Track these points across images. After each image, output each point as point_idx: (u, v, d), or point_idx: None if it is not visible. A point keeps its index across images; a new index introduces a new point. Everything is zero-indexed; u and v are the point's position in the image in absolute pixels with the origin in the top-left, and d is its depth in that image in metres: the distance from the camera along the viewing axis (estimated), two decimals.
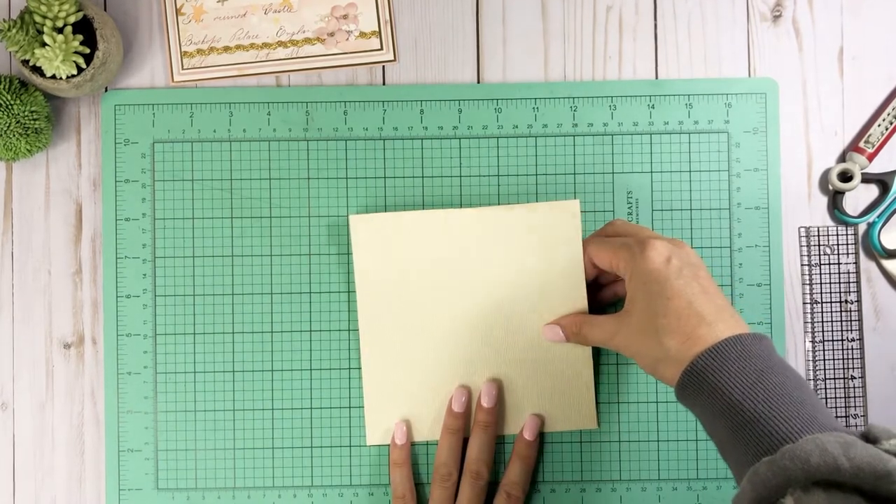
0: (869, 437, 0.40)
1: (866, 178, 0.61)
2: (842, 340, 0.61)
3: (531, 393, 0.59)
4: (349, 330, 0.60)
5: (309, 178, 0.61)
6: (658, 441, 0.60)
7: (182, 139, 0.61)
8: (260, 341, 0.60)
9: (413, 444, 0.60)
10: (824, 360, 0.61)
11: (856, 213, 0.61)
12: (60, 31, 0.54)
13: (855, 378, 0.60)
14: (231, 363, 0.60)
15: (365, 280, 0.59)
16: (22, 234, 0.61)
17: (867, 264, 0.61)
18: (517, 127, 0.61)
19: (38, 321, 0.61)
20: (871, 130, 0.61)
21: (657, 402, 0.60)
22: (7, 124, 0.56)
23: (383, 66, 0.62)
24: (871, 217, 0.61)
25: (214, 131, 0.61)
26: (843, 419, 0.61)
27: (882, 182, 0.61)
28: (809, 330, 0.61)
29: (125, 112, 0.61)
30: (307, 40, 0.61)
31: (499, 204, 0.60)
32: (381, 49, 0.61)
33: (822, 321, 0.61)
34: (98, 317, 0.61)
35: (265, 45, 0.61)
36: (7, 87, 0.56)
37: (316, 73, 0.61)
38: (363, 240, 0.59)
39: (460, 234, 0.59)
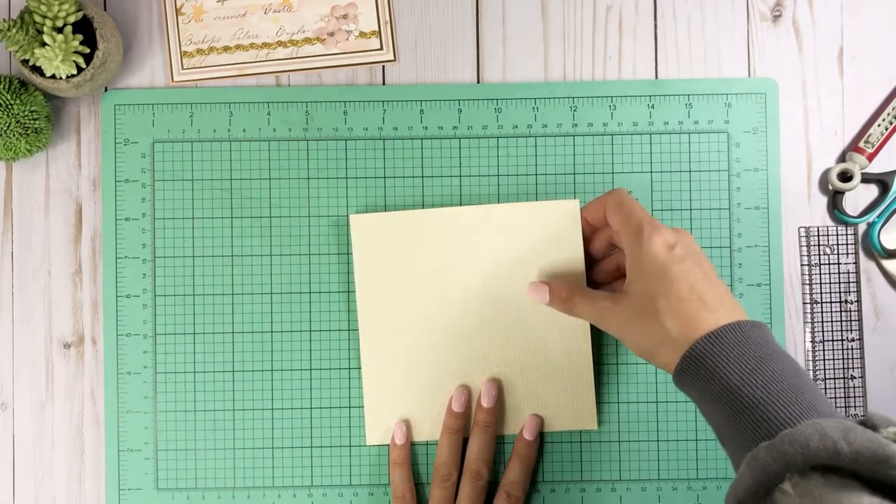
0: (868, 425, 0.40)
1: (866, 178, 0.61)
2: (842, 340, 0.61)
3: (531, 393, 0.59)
4: (349, 330, 0.60)
5: (309, 178, 0.61)
6: (658, 441, 0.60)
7: (182, 139, 0.61)
8: (260, 341, 0.60)
9: (413, 444, 0.60)
10: (824, 360, 0.61)
11: (856, 213, 0.61)
12: (60, 30, 0.54)
13: (855, 378, 0.60)
14: (231, 363, 0.60)
15: (365, 280, 0.59)
16: (22, 234, 0.61)
17: (867, 264, 0.61)
18: (517, 127, 0.61)
19: (38, 321, 0.61)
20: (871, 130, 0.61)
21: (657, 402, 0.60)
22: (7, 124, 0.56)
23: (383, 66, 0.62)
24: (871, 217, 0.61)
25: (214, 131, 0.61)
26: None
27: (882, 182, 0.61)
28: (809, 330, 0.61)
29: (125, 112, 0.61)
30: (307, 40, 0.61)
31: (499, 204, 0.60)
32: (381, 49, 0.61)
33: (822, 321, 0.61)
34: (98, 317, 0.61)
35: (265, 45, 0.61)
36: (7, 87, 0.56)
37: (316, 73, 0.61)
38: (363, 239, 0.59)
39: (460, 233, 0.59)
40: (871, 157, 0.60)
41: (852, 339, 0.61)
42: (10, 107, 0.56)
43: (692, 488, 0.60)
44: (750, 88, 0.61)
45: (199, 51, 0.61)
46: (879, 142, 0.60)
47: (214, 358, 0.60)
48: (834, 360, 0.61)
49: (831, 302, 0.61)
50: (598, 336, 0.60)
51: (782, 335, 0.60)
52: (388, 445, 0.59)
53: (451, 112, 0.61)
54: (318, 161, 0.61)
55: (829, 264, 0.61)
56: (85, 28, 0.56)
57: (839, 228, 0.61)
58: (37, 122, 0.57)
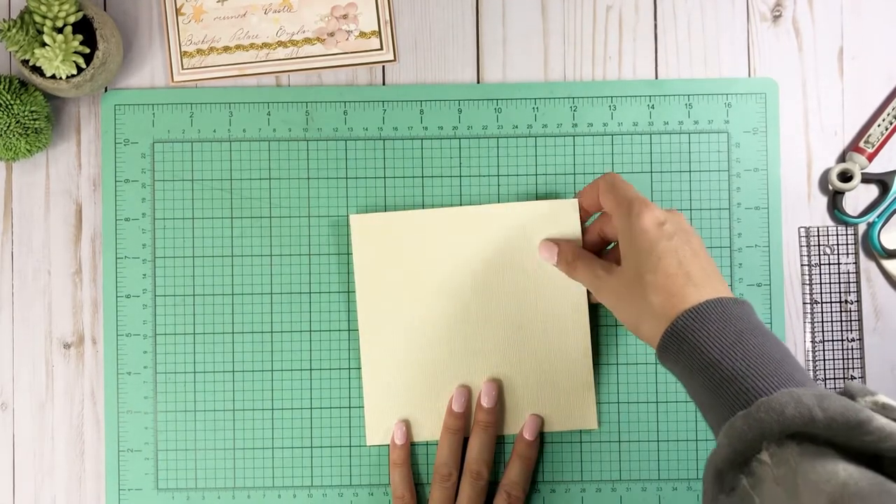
0: (846, 395, 0.41)
1: (866, 178, 0.61)
2: (842, 340, 0.61)
3: (531, 393, 0.59)
4: (349, 330, 0.60)
5: (309, 178, 0.61)
6: (658, 441, 0.60)
7: (182, 139, 0.61)
8: (260, 341, 0.60)
9: (413, 445, 0.60)
10: (824, 360, 0.61)
11: (856, 213, 0.61)
12: (60, 31, 0.54)
13: (855, 378, 0.60)
14: (231, 363, 0.60)
15: (365, 280, 0.59)
16: (22, 234, 0.61)
17: (867, 264, 0.61)
18: (517, 127, 0.61)
19: (38, 321, 0.61)
20: (871, 130, 0.61)
21: (657, 402, 0.60)
22: (7, 124, 0.56)
23: (383, 66, 0.62)
24: (871, 217, 0.61)
25: (214, 131, 0.61)
26: None
27: (882, 182, 0.61)
28: (809, 330, 0.61)
29: (125, 112, 0.61)
30: (307, 40, 0.61)
31: (498, 203, 0.60)
32: (381, 49, 0.61)
33: (822, 321, 0.61)
34: (98, 317, 0.61)
35: (265, 45, 0.61)
36: (7, 87, 0.56)
37: (316, 73, 0.61)
38: (363, 239, 0.59)
39: (460, 233, 0.59)
40: (871, 157, 0.60)
41: (852, 339, 0.61)
42: (10, 107, 0.56)
43: (692, 488, 0.60)
44: (750, 88, 0.61)
45: (199, 51, 0.61)
46: (879, 142, 0.60)
47: (214, 358, 0.60)
48: (834, 360, 0.61)
49: (831, 302, 0.61)
50: (597, 336, 0.60)
51: (782, 335, 0.60)
52: (388, 446, 0.59)
53: (451, 112, 0.61)
54: (318, 161, 0.61)
55: (829, 264, 0.61)
56: (85, 28, 0.56)
57: (839, 228, 0.61)
58: (37, 122, 0.57)
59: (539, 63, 0.62)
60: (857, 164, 0.60)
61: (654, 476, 0.60)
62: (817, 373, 0.60)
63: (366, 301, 0.59)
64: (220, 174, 0.61)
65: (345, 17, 0.61)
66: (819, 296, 0.61)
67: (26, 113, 0.56)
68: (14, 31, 0.53)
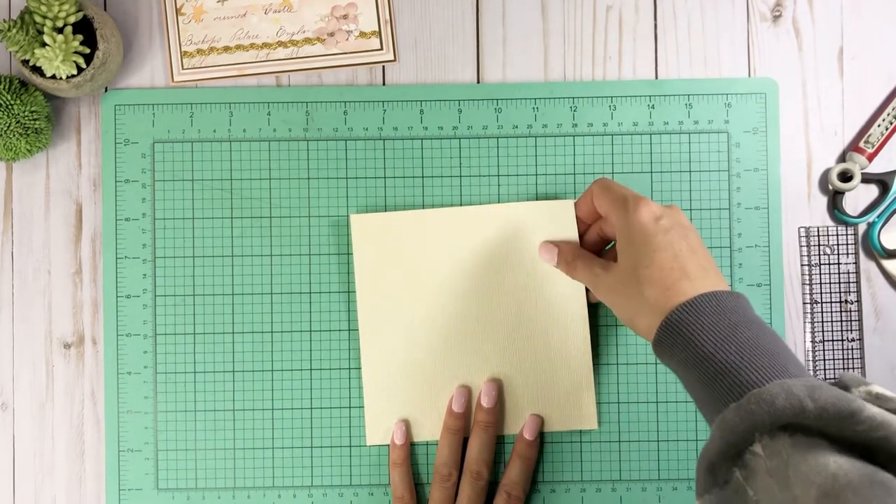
0: (840, 385, 0.41)
1: (866, 178, 0.61)
2: (842, 340, 0.61)
3: (531, 393, 0.59)
4: (349, 330, 0.60)
5: (309, 178, 0.61)
6: (658, 441, 0.60)
7: (182, 139, 0.61)
8: (260, 341, 0.60)
9: (413, 445, 0.60)
10: (824, 360, 0.61)
11: (856, 213, 0.61)
12: (60, 31, 0.54)
13: None
14: (231, 363, 0.60)
15: (365, 280, 0.59)
16: (22, 234, 0.61)
17: (867, 264, 0.61)
18: (517, 127, 0.61)
19: (38, 321, 0.61)
20: (871, 130, 0.61)
21: (657, 402, 0.60)
22: (7, 124, 0.56)
23: (383, 66, 0.62)
24: (871, 217, 0.61)
25: (214, 131, 0.61)
26: None
27: (882, 182, 0.61)
28: (809, 330, 0.61)
29: (125, 112, 0.61)
30: (307, 40, 0.61)
31: (498, 204, 0.60)
32: (381, 49, 0.61)
33: (822, 321, 0.61)
34: (98, 317, 0.61)
35: (265, 45, 0.61)
36: (7, 87, 0.56)
37: (316, 73, 0.61)
38: (363, 239, 0.59)
39: (460, 233, 0.59)
40: (871, 157, 0.60)
41: (852, 339, 0.61)
42: (10, 107, 0.56)
43: (692, 488, 0.60)
44: (750, 88, 0.61)
45: (199, 51, 0.61)
46: (879, 142, 0.60)
47: (214, 358, 0.60)
48: (834, 360, 0.61)
49: (831, 302, 0.61)
50: (597, 336, 0.60)
51: (782, 335, 0.60)
52: (388, 446, 0.59)
53: (451, 112, 0.61)
54: (318, 161, 0.61)
55: (829, 264, 0.61)
56: (85, 28, 0.56)
57: (839, 228, 0.61)
58: (37, 122, 0.57)
59: (539, 63, 0.62)
60: (857, 164, 0.60)
61: (654, 476, 0.60)
62: (817, 373, 0.60)
63: (366, 301, 0.59)
64: (220, 174, 0.61)
65: (345, 17, 0.61)
66: (819, 296, 0.61)
67: (26, 113, 0.56)
68: (14, 31, 0.53)
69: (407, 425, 0.59)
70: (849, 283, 0.61)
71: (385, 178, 0.61)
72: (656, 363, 0.60)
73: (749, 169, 0.61)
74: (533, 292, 0.59)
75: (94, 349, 0.60)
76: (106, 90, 0.61)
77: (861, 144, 0.61)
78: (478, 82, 0.62)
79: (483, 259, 0.59)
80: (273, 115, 0.61)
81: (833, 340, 0.61)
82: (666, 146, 0.61)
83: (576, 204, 0.58)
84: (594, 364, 0.59)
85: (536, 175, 0.61)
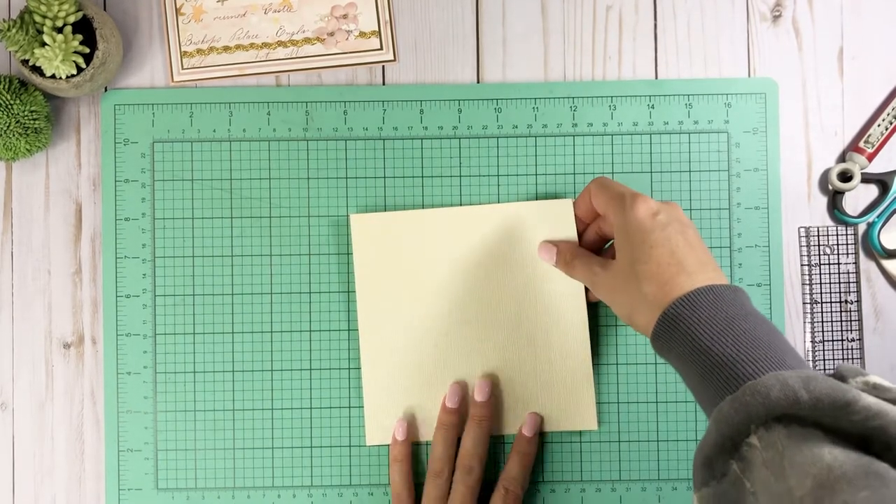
0: (836, 377, 0.41)
1: (866, 178, 0.61)
2: (842, 340, 0.61)
3: (531, 393, 0.59)
4: (349, 330, 0.60)
5: (309, 178, 0.61)
6: (658, 441, 0.60)
7: (182, 139, 0.61)
8: (260, 341, 0.60)
9: (412, 444, 0.60)
10: (824, 360, 0.61)
11: (856, 213, 0.61)
12: (60, 30, 0.54)
13: None
14: (231, 363, 0.60)
15: (365, 280, 0.59)
16: (22, 234, 0.61)
17: (867, 264, 0.61)
18: (517, 127, 0.61)
19: (38, 321, 0.61)
20: (871, 130, 0.61)
21: (657, 402, 0.60)
22: (7, 124, 0.56)
23: (383, 66, 0.62)
24: (871, 217, 0.61)
25: (214, 131, 0.61)
26: None
27: (882, 182, 0.61)
28: (809, 330, 0.61)
29: (125, 112, 0.61)
30: (307, 40, 0.61)
31: (497, 204, 0.60)
32: (381, 49, 0.61)
33: (822, 321, 0.61)
34: (98, 317, 0.61)
35: (265, 45, 0.61)
36: (7, 87, 0.56)
37: (316, 73, 0.61)
38: (363, 239, 0.59)
39: (460, 233, 0.59)
40: (871, 157, 0.60)
41: (852, 339, 0.61)
42: (10, 107, 0.56)
43: (692, 488, 0.60)
44: (750, 88, 0.61)
45: (199, 51, 0.61)
46: (879, 142, 0.60)
47: (214, 358, 0.60)
48: (834, 360, 0.61)
49: (831, 302, 0.61)
50: (597, 336, 0.60)
51: None
52: (388, 445, 0.59)
53: (451, 112, 0.61)
54: (318, 161, 0.61)
55: (829, 264, 0.61)
56: (85, 28, 0.56)
57: (839, 228, 0.61)
58: (37, 122, 0.57)
59: (539, 63, 0.62)
60: (857, 164, 0.60)
61: (654, 476, 0.60)
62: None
63: (366, 301, 0.59)
64: (220, 174, 0.61)
65: (345, 17, 0.61)
66: (819, 296, 0.61)
67: (26, 113, 0.56)
68: (14, 31, 0.53)
69: (408, 423, 0.59)
70: (849, 283, 0.61)
71: (385, 178, 0.61)
72: (656, 363, 0.60)
73: (749, 169, 0.61)
74: (532, 292, 0.59)
75: (93, 349, 0.60)
76: (106, 90, 0.61)
77: (861, 144, 0.61)
78: (478, 82, 0.62)
79: (483, 259, 0.59)
80: (273, 115, 0.61)
81: (833, 340, 0.61)
82: (666, 146, 0.61)
83: (574, 203, 0.58)
84: (594, 364, 0.59)
85: (536, 175, 0.61)
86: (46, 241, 0.61)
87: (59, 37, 0.53)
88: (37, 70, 0.56)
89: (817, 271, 0.61)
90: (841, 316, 0.61)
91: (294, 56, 0.61)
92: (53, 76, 0.55)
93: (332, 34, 0.61)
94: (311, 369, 0.60)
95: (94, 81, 0.57)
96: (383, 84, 0.61)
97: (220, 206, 0.60)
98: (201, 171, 0.60)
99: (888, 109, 0.61)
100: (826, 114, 0.62)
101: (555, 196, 0.60)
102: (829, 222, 0.61)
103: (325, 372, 0.60)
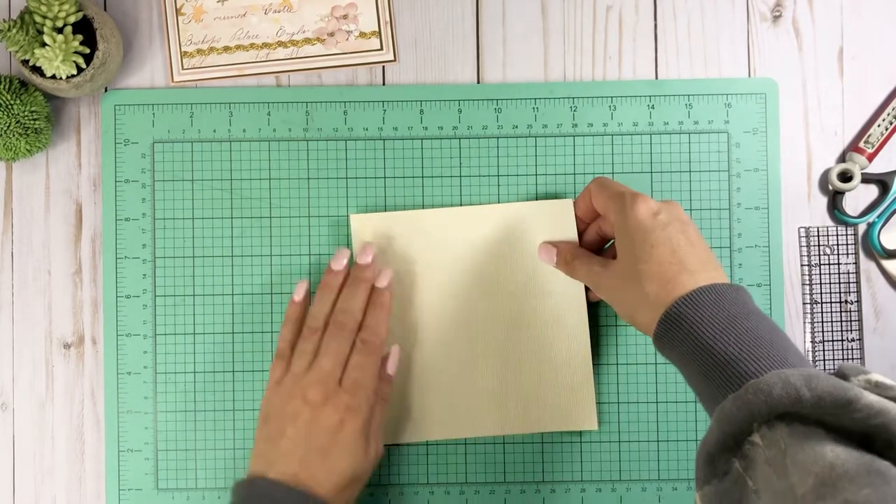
0: (839, 375, 0.41)
1: (866, 179, 0.61)
2: (842, 340, 0.61)
3: (531, 392, 0.59)
4: None
5: (309, 178, 0.61)
6: (658, 441, 0.60)
7: (182, 139, 0.61)
8: (260, 341, 0.60)
9: (414, 444, 0.60)
10: (824, 360, 0.61)
11: (856, 214, 0.61)
12: (60, 31, 0.54)
13: None
14: (231, 363, 0.60)
15: None
16: (22, 234, 0.61)
17: (867, 264, 0.61)
18: (517, 127, 0.61)
19: (38, 321, 0.61)
20: (871, 130, 0.61)
21: (657, 402, 0.60)
22: (7, 124, 0.56)
23: (383, 66, 0.62)
24: (871, 217, 0.61)
25: (214, 131, 0.61)
26: None
27: (882, 182, 0.61)
28: (809, 330, 0.61)
29: (125, 112, 0.61)
30: (307, 40, 0.61)
31: (497, 204, 0.60)
32: (381, 49, 0.61)
33: (822, 321, 0.61)
34: (98, 317, 0.61)
35: (265, 45, 0.61)
36: (7, 87, 0.56)
37: (316, 73, 0.61)
38: (363, 239, 0.59)
39: (460, 233, 0.59)
40: (871, 158, 0.60)
41: (852, 339, 0.61)
42: (10, 107, 0.56)
43: (692, 488, 0.60)
44: (750, 88, 0.61)
45: (199, 51, 0.61)
46: (879, 142, 0.60)
47: (214, 358, 0.60)
48: (834, 360, 0.61)
49: (831, 302, 0.61)
50: (597, 336, 0.60)
51: None
52: (388, 445, 0.59)
53: (451, 112, 0.61)
54: (318, 161, 0.61)
55: (829, 264, 0.61)
56: (85, 28, 0.56)
57: (839, 228, 0.61)
58: (37, 122, 0.57)
59: (539, 63, 0.62)
60: (857, 165, 0.60)
61: (654, 476, 0.60)
62: None
63: None
64: (220, 174, 0.61)
65: (345, 17, 0.61)
66: (819, 296, 0.61)
67: (26, 113, 0.56)
68: (14, 31, 0.53)
69: (407, 424, 0.59)
70: (849, 283, 0.61)
71: (385, 178, 0.61)
72: (656, 363, 0.60)
73: (749, 169, 0.61)
74: (532, 292, 0.59)
75: (93, 349, 0.60)
76: (106, 90, 0.61)
77: (861, 144, 0.61)
78: (478, 82, 0.62)
79: (483, 259, 0.59)
80: (273, 115, 0.61)
81: (833, 340, 0.61)
82: (666, 146, 0.61)
83: (574, 203, 0.58)
84: (594, 364, 0.59)
85: (536, 175, 0.61)
86: (47, 242, 0.61)
87: (60, 37, 0.53)
88: (37, 70, 0.56)
89: (817, 271, 0.61)
90: (841, 316, 0.61)
91: (294, 56, 0.61)
92: (54, 76, 0.55)
93: (332, 34, 0.61)
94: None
95: (94, 82, 0.57)
96: (383, 84, 0.61)
97: (220, 206, 0.60)
98: (201, 172, 0.61)
99: (888, 109, 0.61)
100: (826, 114, 0.62)
101: (555, 196, 0.60)
102: (829, 222, 0.61)
103: None
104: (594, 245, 0.58)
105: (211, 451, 0.60)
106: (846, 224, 0.61)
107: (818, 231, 0.61)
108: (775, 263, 0.61)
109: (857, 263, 0.61)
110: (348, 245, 0.60)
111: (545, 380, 0.59)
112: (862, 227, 0.61)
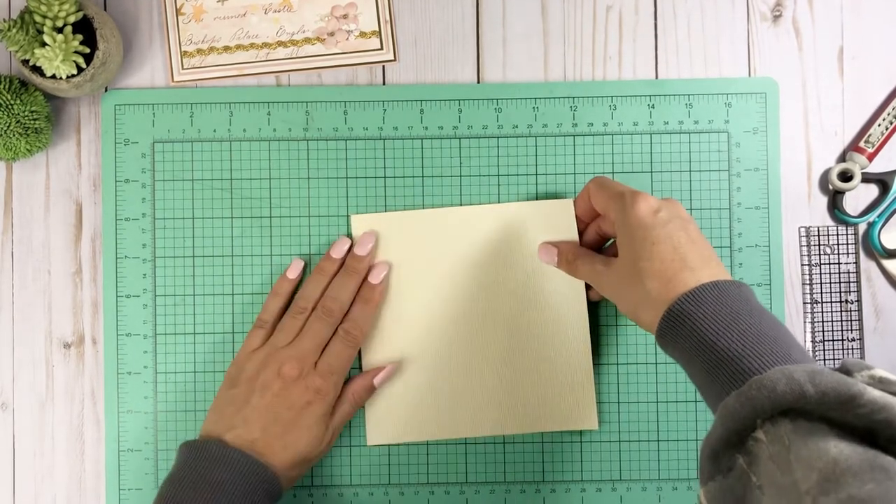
0: (842, 371, 0.41)
1: (866, 178, 0.61)
2: (842, 340, 0.61)
3: (531, 392, 0.59)
4: None
5: (309, 178, 0.61)
6: (658, 441, 0.60)
7: (182, 139, 0.61)
8: None
9: (413, 444, 0.60)
10: (824, 360, 0.61)
11: (856, 213, 0.61)
12: (60, 30, 0.54)
13: None
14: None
15: None
16: (22, 234, 0.61)
17: (867, 264, 0.61)
18: (517, 127, 0.61)
19: (38, 321, 0.61)
20: (871, 130, 0.61)
21: (657, 402, 0.60)
22: (7, 124, 0.56)
23: (383, 66, 0.62)
24: (871, 217, 0.61)
25: (214, 131, 0.61)
26: None
27: (882, 182, 0.61)
28: (809, 330, 0.61)
29: (125, 112, 0.61)
30: (307, 40, 0.61)
31: (498, 204, 0.60)
32: (381, 49, 0.61)
33: (822, 321, 0.61)
34: (98, 317, 0.61)
35: (265, 45, 0.61)
36: (7, 87, 0.56)
37: (316, 73, 0.61)
38: None
39: (460, 233, 0.59)
40: (871, 157, 0.60)
41: (852, 339, 0.61)
42: (10, 107, 0.56)
43: (692, 488, 0.60)
44: (750, 88, 0.61)
45: (199, 51, 0.61)
46: (880, 142, 0.60)
47: (214, 358, 0.60)
48: (834, 360, 0.61)
49: (831, 302, 0.61)
50: (597, 336, 0.60)
51: None
52: (388, 445, 0.59)
53: (451, 112, 0.61)
54: (318, 161, 0.61)
55: (829, 264, 0.61)
56: (85, 28, 0.56)
57: (839, 228, 0.61)
58: (37, 122, 0.57)
59: (539, 63, 0.62)
60: (857, 164, 0.60)
61: (654, 476, 0.60)
62: None
63: None
64: (220, 174, 0.61)
65: (345, 16, 0.61)
66: (819, 296, 0.61)
67: (26, 113, 0.56)
68: (14, 31, 0.53)
69: (407, 424, 0.59)
70: (849, 282, 0.61)
71: (385, 178, 0.61)
72: (656, 363, 0.60)
73: (749, 169, 0.61)
74: (533, 291, 0.59)
75: (94, 349, 0.60)
76: (106, 90, 0.61)
77: (861, 144, 0.61)
78: (478, 82, 0.62)
79: (483, 259, 0.59)
80: (273, 115, 0.61)
81: (833, 340, 0.61)
82: (666, 146, 0.61)
83: (574, 202, 0.58)
84: (594, 364, 0.59)
85: (536, 175, 0.61)
86: (47, 242, 0.61)
87: (60, 37, 0.53)
88: (37, 70, 0.56)
89: (817, 271, 0.61)
90: (841, 315, 0.61)
91: (294, 56, 0.61)
92: (54, 76, 0.55)
93: (332, 34, 0.61)
94: None
95: (94, 81, 0.57)
96: (383, 84, 0.61)
97: (220, 206, 0.60)
98: (201, 171, 0.61)
99: (888, 109, 0.61)
100: (826, 114, 0.62)
101: (555, 196, 0.60)
102: (830, 222, 0.61)
103: None
104: (594, 244, 0.58)
105: None
106: (846, 224, 0.61)
107: (818, 231, 0.61)
108: (775, 263, 0.61)
109: (857, 263, 0.61)
110: None
111: (545, 379, 0.59)
112: (862, 227, 0.61)
